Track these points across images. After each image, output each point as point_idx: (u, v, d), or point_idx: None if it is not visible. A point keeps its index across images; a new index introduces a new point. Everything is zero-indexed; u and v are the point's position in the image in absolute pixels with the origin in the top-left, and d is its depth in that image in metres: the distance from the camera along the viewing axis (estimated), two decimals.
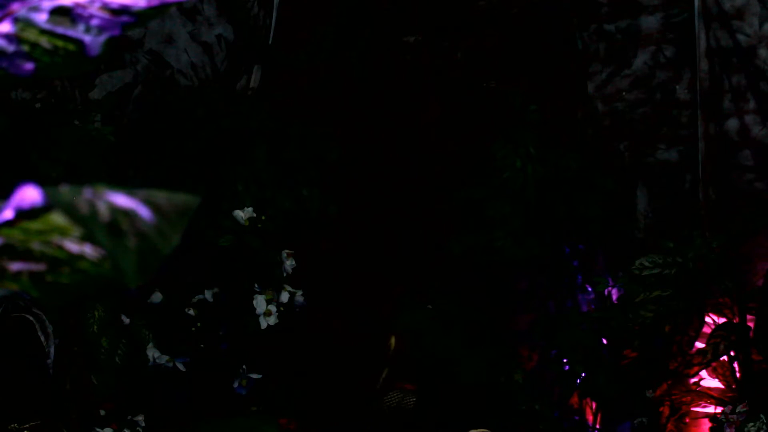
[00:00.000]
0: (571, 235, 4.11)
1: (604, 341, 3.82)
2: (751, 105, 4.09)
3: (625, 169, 4.28)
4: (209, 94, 4.12)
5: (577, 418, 3.94)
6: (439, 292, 3.95)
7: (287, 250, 3.58)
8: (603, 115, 4.34)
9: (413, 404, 2.78)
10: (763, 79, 4.06)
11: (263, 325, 3.47)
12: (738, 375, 3.65)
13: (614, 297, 3.96)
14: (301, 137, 4.10)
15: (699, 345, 3.69)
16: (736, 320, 3.65)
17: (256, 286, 3.48)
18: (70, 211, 0.59)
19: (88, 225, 0.59)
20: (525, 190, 4.01)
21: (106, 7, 0.73)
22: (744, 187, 4.08)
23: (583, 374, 3.78)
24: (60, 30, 0.72)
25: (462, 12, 4.50)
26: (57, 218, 0.60)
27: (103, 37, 0.73)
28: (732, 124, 4.13)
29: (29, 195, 0.60)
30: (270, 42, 4.63)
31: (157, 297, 3.52)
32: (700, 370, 3.65)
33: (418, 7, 4.55)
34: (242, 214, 3.56)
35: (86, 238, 0.61)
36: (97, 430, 3.22)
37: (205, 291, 3.53)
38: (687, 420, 3.78)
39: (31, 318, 3.04)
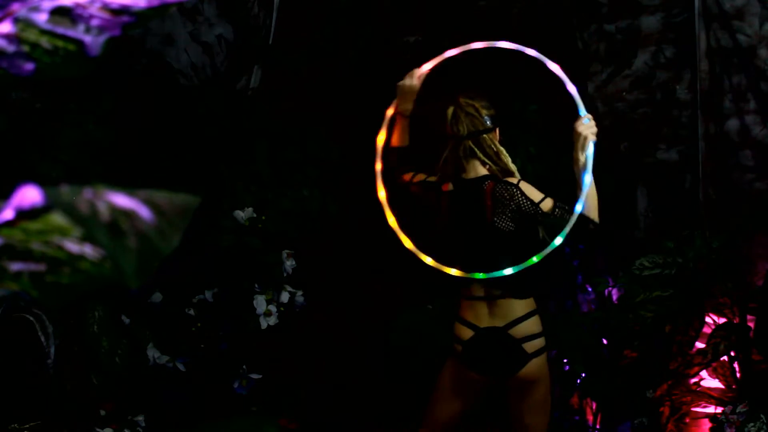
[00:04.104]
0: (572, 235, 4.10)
1: (604, 341, 3.82)
2: (751, 105, 4.09)
3: (625, 169, 4.28)
4: (209, 94, 4.12)
5: (577, 418, 3.94)
6: (439, 292, 3.95)
7: (287, 250, 3.59)
8: (603, 115, 4.34)
9: None
10: (763, 79, 4.06)
11: (263, 325, 3.47)
12: (738, 375, 3.65)
13: (614, 297, 3.96)
14: (301, 137, 4.11)
15: (699, 345, 3.69)
16: (736, 320, 3.65)
17: (256, 286, 3.49)
18: (70, 211, 0.59)
19: (88, 225, 0.59)
20: None
21: (106, 8, 0.73)
22: (744, 187, 4.09)
23: (583, 374, 3.78)
24: (60, 30, 0.72)
25: (462, 12, 4.50)
26: (57, 218, 0.60)
27: (103, 37, 0.73)
28: (732, 124, 4.13)
29: (29, 195, 0.60)
30: (270, 42, 4.63)
31: (157, 297, 3.52)
32: (701, 370, 3.66)
33: (418, 7, 4.55)
34: (242, 214, 3.56)
35: (86, 238, 0.61)
36: (97, 430, 3.22)
37: (205, 291, 3.53)
38: (687, 420, 3.78)
39: (31, 318, 3.04)
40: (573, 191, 2.77)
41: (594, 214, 2.67)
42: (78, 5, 0.72)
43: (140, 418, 3.38)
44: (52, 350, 3.07)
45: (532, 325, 2.76)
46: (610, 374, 3.70)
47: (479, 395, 2.90)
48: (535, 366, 2.76)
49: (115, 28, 0.74)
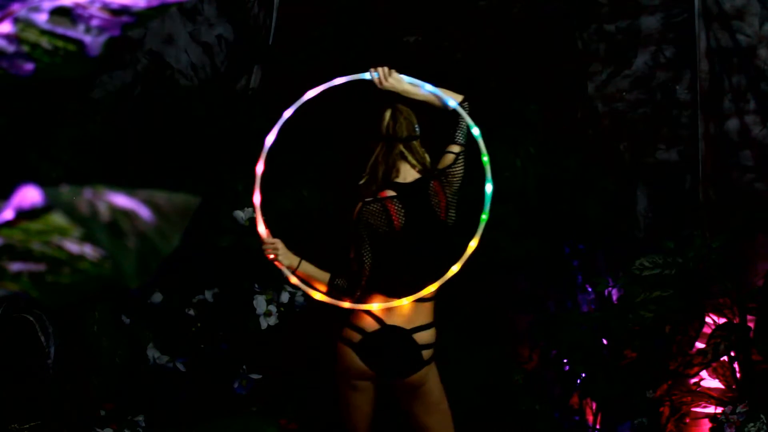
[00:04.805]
0: (571, 235, 4.11)
1: (604, 341, 3.82)
2: (751, 105, 4.09)
3: (625, 169, 4.28)
4: (209, 94, 4.12)
5: (577, 418, 3.94)
6: (439, 292, 3.94)
7: None
8: (603, 115, 4.34)
9: None
10: (763, 79, 4.06)
11: (263, 325, 3.47)
12: (738, 375, 3.65)
13: (614, 297, 3.96)
14: (301, 137, 4.10)
15: (699, 345, 3.69)
16: (736, 320, 3.65)
17: (256, 286, 3.49)
18: (70, 212, 0.59)
19: (88, 225, 0.59)
20: (525, 190, 4.01)
21: (106, 8, 0.73)
22: (744, 187, 4.09)
23: (583, 374, 3.78)
24: (60, 30, 0.72)
25: (462, 12, 4.50)
26: (57, 218, 0.60)
27: (103, 37, 0.73)
28: (732, 124, 4.13)
29: (29, 195, 0.60)
30: (270, 42, 4.63)
31: (157, 297, 3.52)
32: (701, 370, 3.66)
33: (418, 7, 4.55)
34: (242, 215, 3.56)
35: (86, 238, 0.61)
36: (97, 430, 3.22)
37: (205, 291, 3.53)
38: (687, 420, 3.78)
39: (31, 318, 3.04)
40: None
41: (455, 95, 2.82)
42: (78, 5, 0.72)
43: (140, 418, 3.38)
44: (52, 350, 3.07)
45: (432, 335, 2.86)
46: (610, 374, 3.70)
47: (372, 391, 2.87)
48: (426, 371, 2.83)
49: (115, 28, 0.73)
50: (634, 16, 4.30)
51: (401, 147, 2.83)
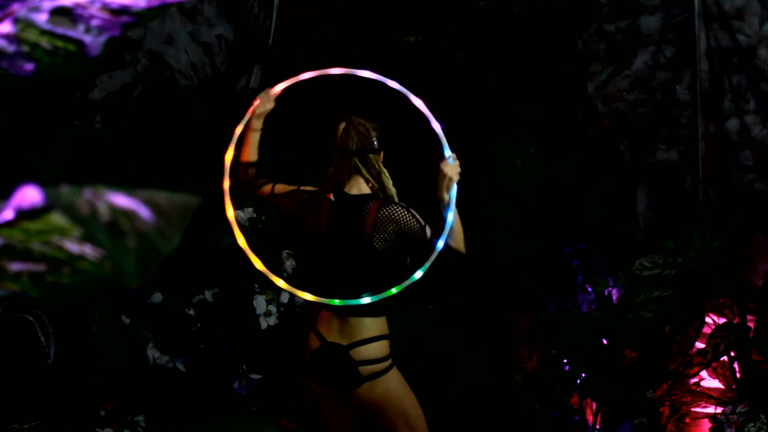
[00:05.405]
0: (571, 235, 4.11)
1: (604, 341, 3.82)
2: (751, 105, 4.09)
3: (625, 169, 4.28)
4: (209, 94, 4.12)
5: (577, 418, 3.94)
6: (439, 292, 3.95)
7: (287, 250, 3.58)
8: (603, 115, 4.34)
9: None
10: (763, 79, 4.06)
11: (263, 325, 3.47)
12: (738, 375, 3.65)
13: (614, 297, 3.96)
14: (300, 137, 4.10)
15: (699, 345, 3.69)
16: (736, 320, 3.65)
17: (256, 286, 3.49)
18: (70, 212, 0.59)
19: (88, 225, 0.59)
20: (525, 190, 4.01)
21: (106, 8, 0.73)
22: (744, 187, 4.09)
23: (583, 374, 3.78)
24: (60, 30, 0.72)
25: (462, 12, 4.50)
26: (57, 218, 0.60)
27: (103, 38, 0.73)
28: (732, 124, 4.13)
29: (29, 195, 0.60)
30: (270, 42, 4.63)
31: (157, 297, 3.52)
32: (701, 370, 3.66)
33: (418, 7, 4.55)
34: (242, 215, 3.56)
35: (86, 238, 0.61)
36: (97, 430, 3.22)
37: (205, 291, 3.53)
38: (687, 420, 3.78)
39: (31, 318, 3.04)
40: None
41: (461, 246, 2.73)
42: (78, 5, 0.72)
43: (140, 418, 3.38)
44: (52, 350, 3.07)
45: (377, 349, 2.74)
46: (610, 374, 3.70)
47: (336, 405, 2.83)
48: (371, 386, 2.74)
49: (115, 28, 0.74)
50: (634, 16, 4.30)
51: (356, 160, 2.80)
